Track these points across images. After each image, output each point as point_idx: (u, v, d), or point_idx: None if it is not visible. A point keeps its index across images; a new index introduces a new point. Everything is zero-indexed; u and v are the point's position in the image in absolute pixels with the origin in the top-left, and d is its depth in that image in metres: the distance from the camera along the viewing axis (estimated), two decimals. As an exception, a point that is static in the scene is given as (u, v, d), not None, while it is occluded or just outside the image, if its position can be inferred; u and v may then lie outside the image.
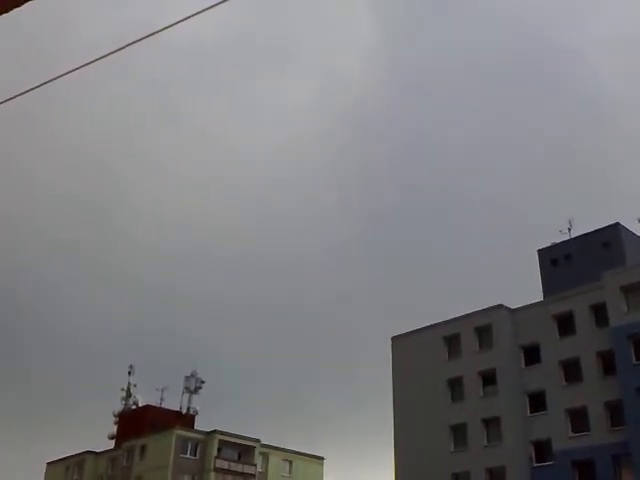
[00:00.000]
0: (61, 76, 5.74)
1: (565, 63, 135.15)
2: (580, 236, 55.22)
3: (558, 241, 56.36)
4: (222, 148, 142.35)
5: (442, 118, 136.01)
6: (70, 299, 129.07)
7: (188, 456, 64.67)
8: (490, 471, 49.37)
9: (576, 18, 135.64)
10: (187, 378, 71.87)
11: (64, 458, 75.16)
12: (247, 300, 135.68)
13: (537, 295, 54.64)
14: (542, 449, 48.25)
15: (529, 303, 52.76)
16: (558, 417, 47.75)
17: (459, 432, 51.78)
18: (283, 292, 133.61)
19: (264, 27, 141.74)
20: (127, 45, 5.57)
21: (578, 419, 47.06)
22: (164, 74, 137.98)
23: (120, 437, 71.99)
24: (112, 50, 5.64)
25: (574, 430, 47.05)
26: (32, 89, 5.75)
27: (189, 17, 5.44)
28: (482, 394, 51.51)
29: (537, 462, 48.06)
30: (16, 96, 5.87)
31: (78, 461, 73.52)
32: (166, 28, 5.62)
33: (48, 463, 77.24)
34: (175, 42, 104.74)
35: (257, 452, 67.75)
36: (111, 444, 73.89)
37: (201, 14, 5.77)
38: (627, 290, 47.06)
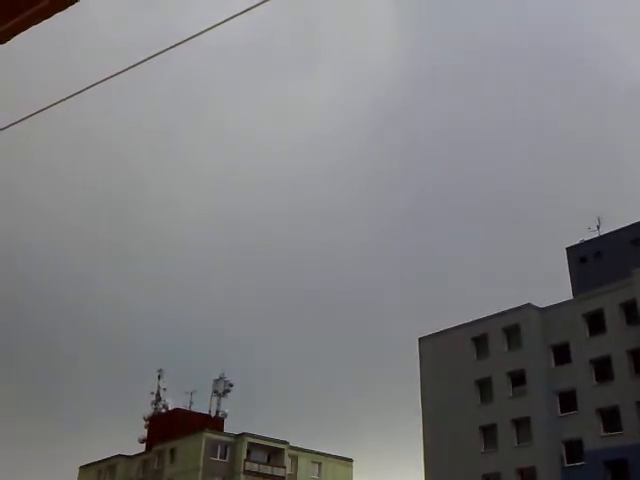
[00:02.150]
0: (97, 84, 5.93)
1: (594, 54, 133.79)
2: (609, 233, 54.65)
3: (587, 239, 55.85)
4: (249, 146, 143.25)
5: (465, 115, 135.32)
6: (102, 301, 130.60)
7: (218, 459, 65.14)
8: (521, 472, 49.05)
9: (599, 3, 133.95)
10: (216, 381, 72.45)
11: (96, 462, 76.09)
12: (276, 300, 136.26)
13: (566, 294, 54.21)
14: (573, 449, 47.76)
15: (558, 302, 52.31)
16: (589, 417, 47.26)
17: (489, 433, 51.51)
18: (313, 292, 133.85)
19: (288, 27, 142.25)
20: (160, 52, 5.73)
21: (610, 418, 46.53)
22: (191, 74, 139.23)
23: (150, 441, 72.72)
24: (146, 57, 5.81)
25: (606, 430, 46.54)
26: (70, 97, 5.94)
27: (220, 23, 5.58)
28: (511, 394, 51.18)
29: (568, 462, 47.57)
30: (52, 105, 6.06)
31: (110, 465, 74.38)
32: (198, 35, 5.76)
33: (80, 467, 78.24)
34: (202, 42, 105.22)
35: (286, 454, 67.98)
36: (142, 448, 74.68)
37: (227, 13, 5.89)
38: (658, 287, 46.47)
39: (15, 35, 5.90)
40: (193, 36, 5.63)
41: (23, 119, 6.06)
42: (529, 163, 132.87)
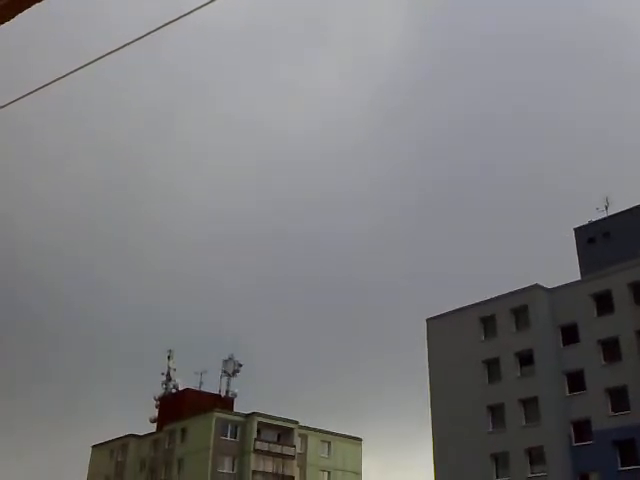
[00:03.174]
0: (91, 62, 5.97)
1: (600, 34, 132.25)
2: (617, 213, 54.40)
3: (595, 219, 55.64)
4: (253, 132, 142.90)
5: (475, 101, 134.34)
6: (114, 289, 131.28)
7: (228, 438, 65.80)
8: (529, 451, 49.22)
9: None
10: (225, 362, 72.94)
11: (108, 441, 77.05)
12: (284, 282, 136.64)
13: (574, 274, 54.14)
14: (582, 429, 47.87)
15: (566, 282, 52.22)
16: (597, 396, 47.32)
17: (497, 413, 51.66)
18: (320, 274, 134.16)
19: (296, 11, 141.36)
20: (156, 29, 5.75)
21: (618, 398, 46.56)
22: (194, 58, 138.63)
23: (161, 420, 73.51)
24: (142, 34, 5.84)
25: (614, 409, 46.59)
26: (66, 75, 5.98)
27: (209, 2, 5.60)
28: (519, 374, 51.27)
29: (577, 442, 47.70)
30: (48, 84, 6.11)
31: (122, 444, 75.30)
32: (195, 10, 5.78)
33: (93, 446, 79.27)
34: (206, 25, 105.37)
35: (296, 434, 68.57)
36: (153, 427, 75.50)
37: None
38: (666, 267, 46.27)
39: (17, 13, 5.96)
40: (187, 13, 5.66)
41: (19, 98, 6.12)
42: (536, 149, 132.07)
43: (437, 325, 57.56)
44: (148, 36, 5.78)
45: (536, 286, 52.37)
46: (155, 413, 76.52)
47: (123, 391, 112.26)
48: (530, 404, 50.01)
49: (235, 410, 70.57)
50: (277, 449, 66.76)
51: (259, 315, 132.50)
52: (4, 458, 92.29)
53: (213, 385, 73.98)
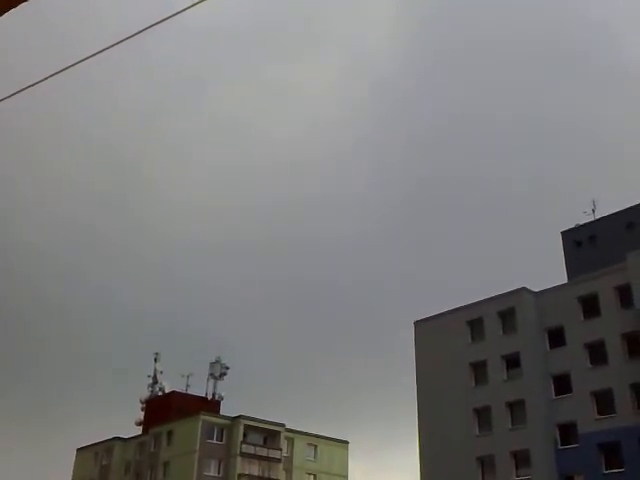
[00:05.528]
0: (82, 60, 5.87)
1: (593, 37, 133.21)
2: (604, 217, 54.71)
3: (582, 222, 55.91)
4: (247, 131, 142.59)
5: (467, 100, 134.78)
6: (101, 290, 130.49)
7: (214, 441, 65.53)
8: (515, 454, 49.31)
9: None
10: (212, 364, 72.64)
11: (93, 444, 76.50)
12: (271, 285, 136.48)
13: (561, 277, 54.37)
14: (567, 432, 48.04)
15: (553, 285, 52.42)
16: (583, 399, 47.49)
17: (483, 415, 51.74)
18: (312, 276, 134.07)
19: (289, 10, 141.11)
20: (148, 27, 5.66)
21: (604, 401, 46.76)
22: (188, 57, 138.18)
23: (147, 423, 73.08)
24: (131, 33, 5.74)
25: (600, 412, 46.78)
26: (55, 74, 5.88)
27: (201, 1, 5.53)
28: (506, 377, 51.39)
29: (562, 445, 47.85)
30: (40, 81, 6.01)
31: (107, 447, 74.79)
32: (188, 8, 5.71)
33: (78, 449, 78.70)
34: (199, 24, 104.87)
35: (282, 437, 68.38)
36: (138, 430, 75.03)
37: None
38: (652, 271, 46.48)
39: (4, 12, 5.85)
40: (180, 11, 5.59)
41: (10, 96, 6.01)
42: (528, 152, 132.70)
43: (424, 328, 57.60)
44: (143, 34, 5.71)
45: (523, 289, 52.52)
46: (141, 416, 76.08)
47: (108, 393, 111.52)
48: (516, 407, 50.11)
49: (221, 413, 70.30)
50: (263, 452, 66.55)
51: (246, 318, 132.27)
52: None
53: (200, 388, 73.74)
